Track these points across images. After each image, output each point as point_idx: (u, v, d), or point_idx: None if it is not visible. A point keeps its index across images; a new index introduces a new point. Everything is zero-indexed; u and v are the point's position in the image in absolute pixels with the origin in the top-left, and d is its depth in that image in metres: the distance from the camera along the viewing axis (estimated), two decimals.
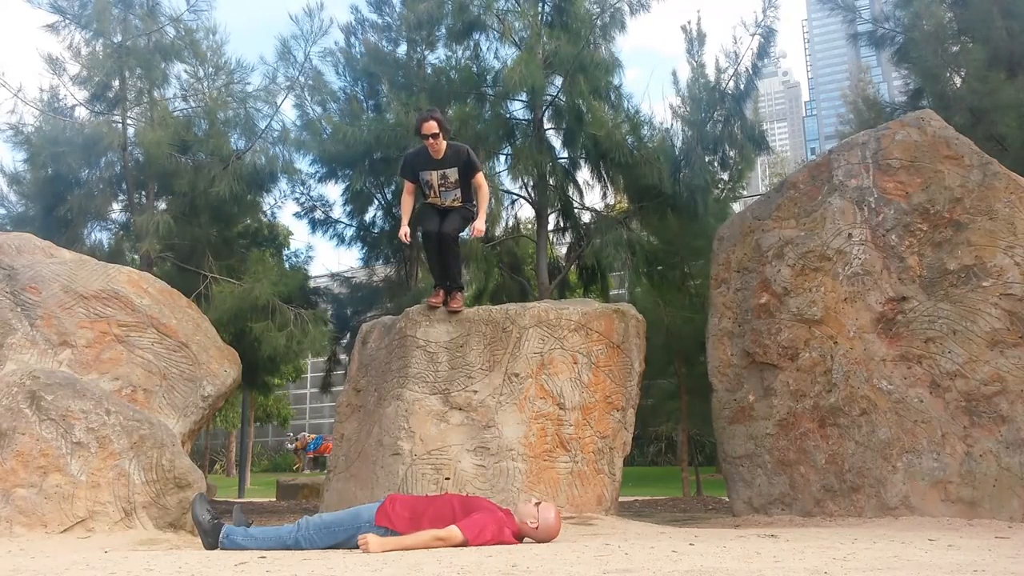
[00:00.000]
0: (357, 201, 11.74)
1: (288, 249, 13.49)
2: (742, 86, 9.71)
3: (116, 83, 10.15)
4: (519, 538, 3.98)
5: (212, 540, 4.00)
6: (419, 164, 5.64)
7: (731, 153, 10.08)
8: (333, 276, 13.78)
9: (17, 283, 5.84)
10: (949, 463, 4.95)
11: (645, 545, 3.68)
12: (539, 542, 3.99)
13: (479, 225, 5.63)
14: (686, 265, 10.67)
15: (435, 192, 5.66)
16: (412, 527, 3.81)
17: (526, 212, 12.20)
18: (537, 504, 4.02)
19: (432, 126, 5.43)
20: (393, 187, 11.10)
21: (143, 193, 10.44)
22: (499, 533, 3.84)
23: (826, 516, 5.27)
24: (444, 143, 5.54)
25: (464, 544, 3.70)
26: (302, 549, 3.92)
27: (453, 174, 5.57)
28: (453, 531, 3.69)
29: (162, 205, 10.46)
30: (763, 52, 9.68)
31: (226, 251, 10.60)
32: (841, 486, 5.28)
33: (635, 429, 5.73)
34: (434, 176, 5.60)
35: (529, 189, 10.53)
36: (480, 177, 5.67)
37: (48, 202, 10.06)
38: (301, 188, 11.76)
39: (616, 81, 10.43)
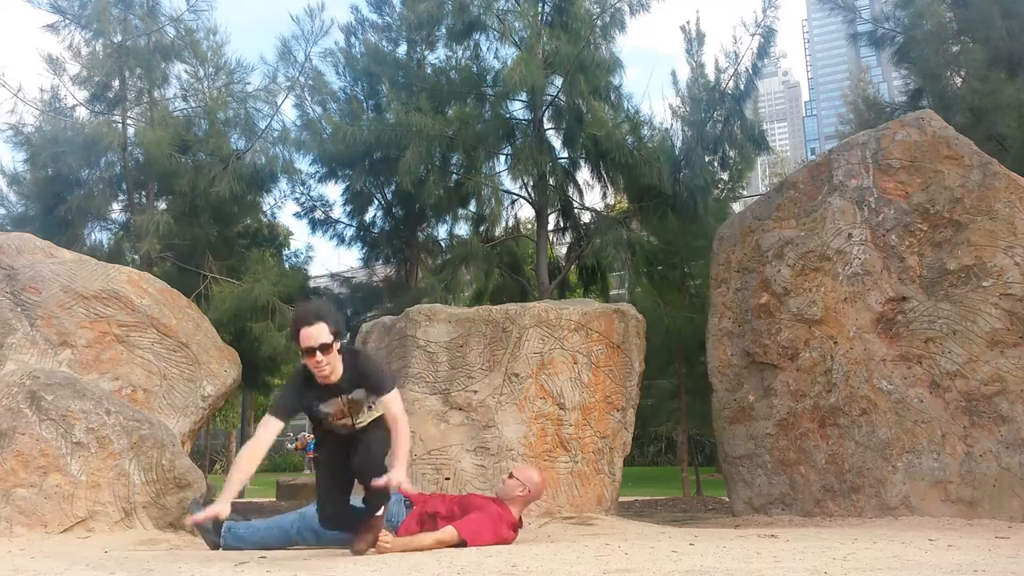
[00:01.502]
0: (357, 201, 11.74)
1: (288, 249, 13.48)
2: (742, 86, 9.70)
3: (116, 83, 10.15)
4: (519, 523, 4.09)
5: (215, 538, 4.03)
6: (309, 396, 3.50)
7: (731, 153, 10.07)
8: (333, 276, 13.77)
9: (17, 283, 5.84)
10: (949, 463, 4.95)
11: (645, 545, 3.68)
12: (537, 499, 4.25)
13: (397, 477, 3.23)
14: (686, 265, 10.66)
15: (347, 419, 3.56)
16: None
17: (526, 212, 12.20)
18: (512, 475, 4.14)
19: (313, 334, 3.30)
20: (393, 187, 11.10)
21: (143, 193, 10.44)
22: (497, 532, 3.88)
23: (826, 516, 5.27)
24: (338, 358, 3.44)
25: (462, 544, 3.75)
26: (304, 540, 3.97)
27: (361, 393, 3.52)
28: (450, 532, 3.80)
29: (162, 205, 10.46)
30: (763, 52, 9.66)
31: (226, 251, 10.60)
32: (841, 486, 5.28)
33: (635, 429, 5.73)
34: (337, 404, 3.52)
35: (529, 189, 10.52)
36: (392, 401, 3.45)
37: (48, 202, 10.06)
38: (301, 188, 11.76)
39: (616, 81, 10.43)
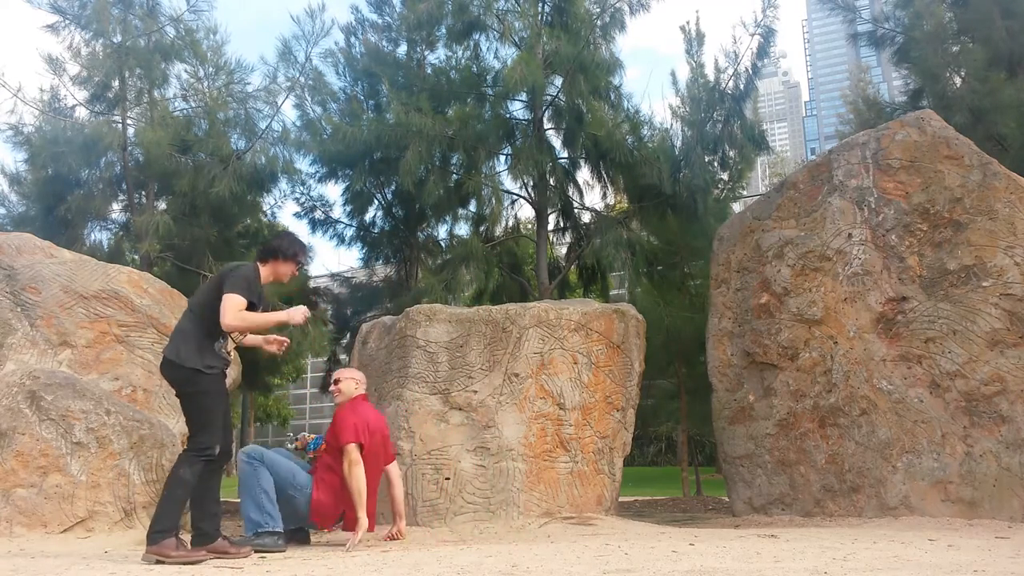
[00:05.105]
0: (357, 201, 11.74)
1: None
2: (742, 86, 9.70)
3: (116, 83, 10.15)
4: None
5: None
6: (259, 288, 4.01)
7: (731, 153, 10.08)
8: (333, 276, 13.76)
9: (17, 283, 5.84)
10: (949, 463, 4.95)
11: (645, 545, 3.68)
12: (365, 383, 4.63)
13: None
14: (686, 265, 10.66)
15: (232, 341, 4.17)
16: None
17: (526, 212, 12.21)
18: (337, 381, 4.55)
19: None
20: (393, 187, 11.10)
21: (143, 193, 10.44)
22: (357, 420, 4.29)
23: (826, 516, 5.27)
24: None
25: (349, 449, 4.18)
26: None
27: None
28: (346, 449, 4.21)
29: (162, 205, 10.46)
30: (763, 52, 9.66)
31: (226, 251, 10.59)
32: (841, 486, 5.28)
33: (635, 429, 5.73)
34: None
35: (529, 189, 10.52)
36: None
37: (48, 202, 10.06)
38: (301, 188, 11.75)
39: (616, 81, 10.43)
